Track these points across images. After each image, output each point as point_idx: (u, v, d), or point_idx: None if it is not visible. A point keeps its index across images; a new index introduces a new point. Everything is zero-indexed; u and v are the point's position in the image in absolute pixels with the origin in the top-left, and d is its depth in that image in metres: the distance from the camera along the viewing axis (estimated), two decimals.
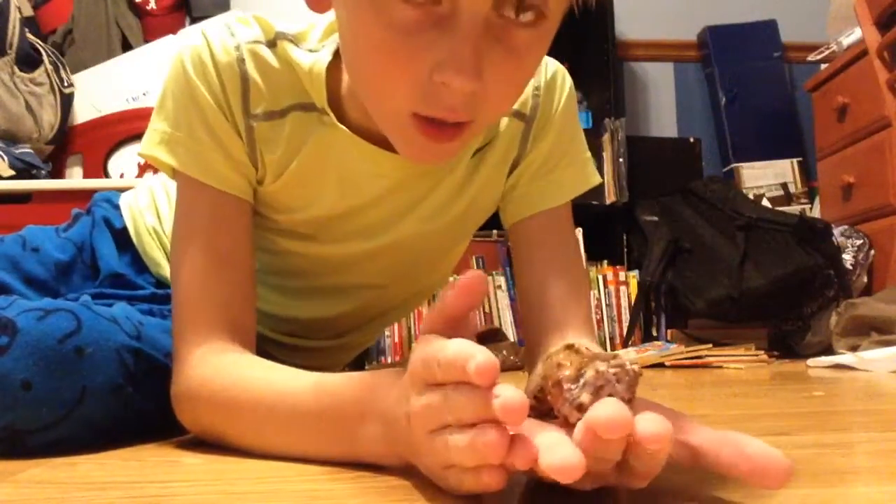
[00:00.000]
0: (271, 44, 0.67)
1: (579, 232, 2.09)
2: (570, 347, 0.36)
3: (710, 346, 1.92)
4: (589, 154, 0.80)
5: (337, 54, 0.66)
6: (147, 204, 0.89)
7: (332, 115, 0.66)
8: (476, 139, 0.73)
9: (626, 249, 2.45)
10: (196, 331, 0.62)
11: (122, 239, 0.88)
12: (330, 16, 0.65)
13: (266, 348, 0.86)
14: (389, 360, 2.20)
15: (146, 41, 2.38)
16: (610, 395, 0.34)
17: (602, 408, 0.33)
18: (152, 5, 2.44)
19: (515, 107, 0.74)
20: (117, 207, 0.91)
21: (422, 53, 0.50)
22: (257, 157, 0.68)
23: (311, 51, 0.67)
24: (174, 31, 2.24)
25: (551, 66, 0.77)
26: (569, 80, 0.78)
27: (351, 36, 0.55)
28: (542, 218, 0.75)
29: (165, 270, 0.84)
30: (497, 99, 0.54)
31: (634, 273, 2.36)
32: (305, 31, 0.69)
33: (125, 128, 2.13)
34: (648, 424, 0.33)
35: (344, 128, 0.67)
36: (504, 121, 0.74)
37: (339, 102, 0.67)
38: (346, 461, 0.49)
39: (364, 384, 0.48)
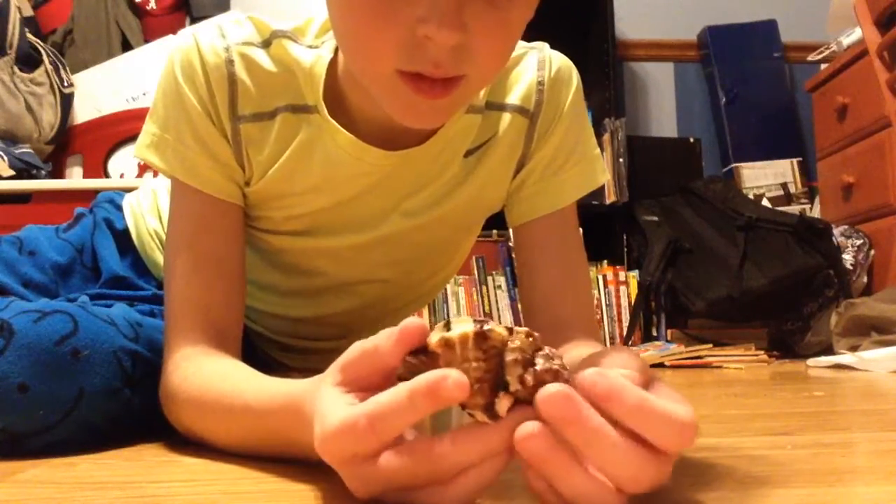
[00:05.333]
0: (265, 44, 0.67)
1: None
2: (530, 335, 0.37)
3: (710, 346, 1.92)
4: (597, 150, 0.78)
5: (337, 49, 0.66)
6: (150, 206, 0.89)
7: (324, 110, 0.66)
8: (470, 131, 0.72)
9: (626, 249, 2.44)
10: (177, 333, 0.63)
11: (123, 241, 0.88)
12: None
13: (271, 352, 0.86)
14: None
15: (146, 41, 2.37)
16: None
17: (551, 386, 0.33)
18: (152, 5, 2.43)
19: (518, 102, 0.73)
20: (120, 209, 0.91)
21: (404, 9, 0.51)
22: (244, 159, 0.68)
23: (311, 47, 0.67)
24: (174, 31, 2.24)
25: (556, 61, 0.75)
26: (576, 76, 0.76)
27: None
28: (548, 219, 0.74)
29: None
30: (484, 53, 0.53)
31: (634, 273, 2.36)
32: (303, 26, 0.69)
33: (125, 128, 2.13)
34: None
35: (333, 122, 0.66)
36: (506, 118, 0.73)
37: (335, 98, 0.67)
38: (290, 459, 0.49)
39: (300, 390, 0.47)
